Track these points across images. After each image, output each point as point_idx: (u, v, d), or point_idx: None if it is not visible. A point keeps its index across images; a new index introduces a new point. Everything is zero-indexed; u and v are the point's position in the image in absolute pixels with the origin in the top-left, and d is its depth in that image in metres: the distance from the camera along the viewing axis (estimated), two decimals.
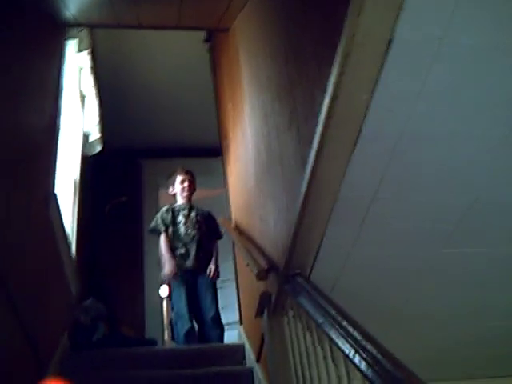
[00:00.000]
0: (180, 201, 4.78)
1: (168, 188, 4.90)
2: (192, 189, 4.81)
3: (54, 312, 3.35)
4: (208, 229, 4.67)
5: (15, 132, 2.64)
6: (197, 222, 4.63)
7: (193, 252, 4.47)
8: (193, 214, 4.68)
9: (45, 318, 3.06)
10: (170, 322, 5.52)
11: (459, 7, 1.61)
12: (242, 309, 4.21)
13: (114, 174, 6.37)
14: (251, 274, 2.94)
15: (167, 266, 4.38)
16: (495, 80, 1.86)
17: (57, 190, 3.48)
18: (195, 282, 4.44)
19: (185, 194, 4.76)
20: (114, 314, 4.61)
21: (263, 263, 2.89)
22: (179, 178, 4.79)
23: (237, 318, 4.37)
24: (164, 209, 4.72)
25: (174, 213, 4.66)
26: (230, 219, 4.48)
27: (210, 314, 4.35)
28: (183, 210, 4.69)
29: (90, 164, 5.25)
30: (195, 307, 4.39)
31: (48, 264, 3.26)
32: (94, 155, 4.96)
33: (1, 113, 2.36)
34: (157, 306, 6.15)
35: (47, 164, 3.41)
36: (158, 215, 4.67)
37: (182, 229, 4.56)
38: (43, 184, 3.28)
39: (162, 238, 4.52)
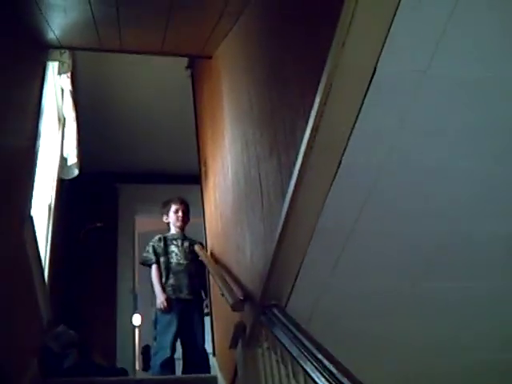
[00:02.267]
0: (173, 230, 4.82)
1: (162, 216, 4.92)
2: (186, 219, 4.85)
3: (23, 338, 3.26)
4: (199, 259, 4.64)
5: None
6: (189, 252, 4.64)
7: (185, 282, 4.48)
8: (185, 244, 4.71)
9: (14, 343, 2.97)
10: (142, 352, 5.42)
11: (443, 40, 1.62)
12: (216, 340, 4.15)
13: (90, 198, 6.27)
14: (226, 304, 2.89)
15: (158, 299, 4.40)
16: (478, 113, 1.87)
17: (33, 213, 3.42)
18: (189, 313, 4.45)
19: (178, 223, 4.81)
20: (85, 341, 4.52)
21: (239, 293, 2.85)
22: (173, 207, 4.84)
23: (210, 349, 4.31)
24: (156, 238, 4.75)
25: (167, 242, 4.69)
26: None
27: (202, 352, 4.40)
28: (176, 239, 4.72)
29: (66, 187, 5.18)
30: (186, 339, 4.43)
31: (20, 288, 3.18)
32: (70, 179, 4.89)
33: None
34: (129, 334, 6.04)
35: (24, 186, 3.35)
36: (150, 245, 4.69)
37: (173, 259, 4.59)
38: (19, 206, 3.22)
39: (154, 269, 4.54)
